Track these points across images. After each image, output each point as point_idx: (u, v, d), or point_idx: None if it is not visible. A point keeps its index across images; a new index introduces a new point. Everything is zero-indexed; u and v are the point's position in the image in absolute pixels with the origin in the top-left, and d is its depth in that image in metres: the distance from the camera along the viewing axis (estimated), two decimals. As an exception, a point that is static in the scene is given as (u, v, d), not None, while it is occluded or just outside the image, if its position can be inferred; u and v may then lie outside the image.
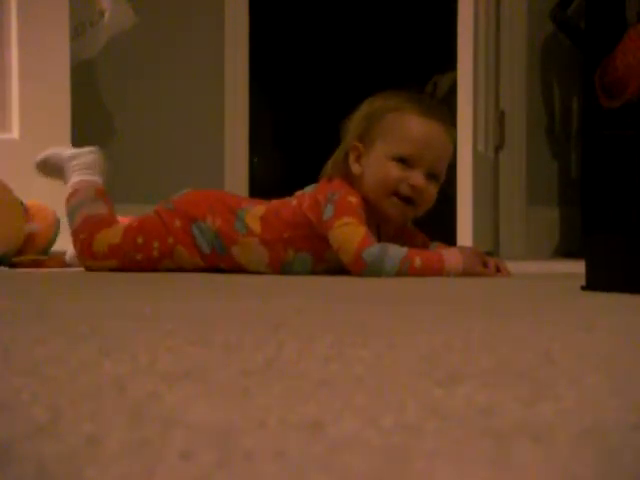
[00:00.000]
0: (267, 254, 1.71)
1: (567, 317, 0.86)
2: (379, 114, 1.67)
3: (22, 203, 2.14)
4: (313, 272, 1.70)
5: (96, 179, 1.90)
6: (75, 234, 1.82)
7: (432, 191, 1.66)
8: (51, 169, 1.97)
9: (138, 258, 1.76)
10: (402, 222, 1.74)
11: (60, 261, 2.03)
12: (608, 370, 0.50)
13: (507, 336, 0.66)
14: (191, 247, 1.75)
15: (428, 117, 1.65)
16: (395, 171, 1.63)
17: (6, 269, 1.85)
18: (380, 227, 1.69)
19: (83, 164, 1.92)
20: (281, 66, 4.79)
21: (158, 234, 1.76)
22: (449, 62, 3.37)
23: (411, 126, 1.65)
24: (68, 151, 1.96)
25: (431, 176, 1.64)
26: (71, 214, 1.85)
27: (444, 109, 1.81)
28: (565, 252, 3.55)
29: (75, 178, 1.89)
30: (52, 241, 2.21)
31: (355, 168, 1.67)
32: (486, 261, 1.64)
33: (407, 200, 1.64)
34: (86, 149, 1.96)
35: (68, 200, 1.87)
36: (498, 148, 3.53)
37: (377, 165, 1.65)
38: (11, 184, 2.15)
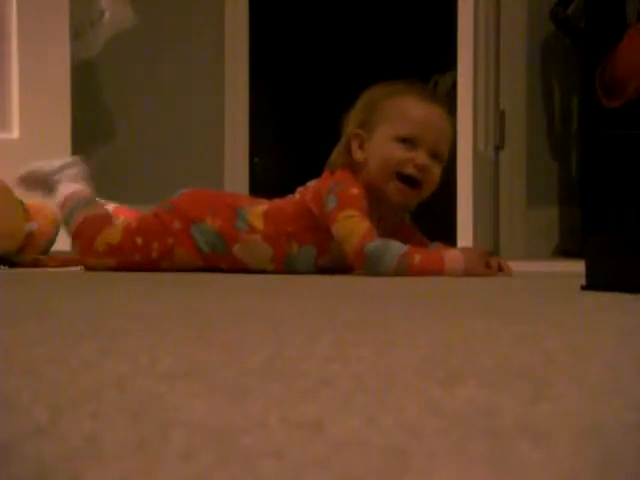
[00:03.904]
0: (271, 250, 1.71)
1: (567, 317, 0.86)
2: (379, 100, 1.69)
3: (22, 203, 2.14)
4: (316, 265, 1.71)
5: (86, 188, 1.92)
6: (75, 237, 1.82)
7: (436, 171, 1.67)
8: (35, 183, 1.96)
9: (137, 258, 1.76)
10: (405, 207, 1.74)
11: (60, 260, 2.03)
12: (608, 370, 0.50)
13: (507, 336, 0.66)
14: (191, 248, 1.75)
15: (427, 100, 1.69)
16: (399, 151, 1.65)
17: (6, 269, 1.85)
18: (380, 220, 1.70)
19: (71, 175, 1.93)
20: (281, 65, 4.80)
21: (157, 235, 1.76)
22: (449, 62, 3.37)
23: (412, 107, 1.67)
24: (55, 163, 1.96)
25: (434, 156, 1.66)
26: (68, 218, 1.85)
27: (441, 96, 1.83)
28: (565, 252, 3.55)
29: (64, 188, 1.90)
30: (52, 241, 2.21)
31: (358, 155, 1.68)
32: (489, 262, 1.63)
33: (411, 182, 1.65)
34: (71, 159, 1.98)
35: (62, 206, 1.87)
36: (498, 148, 3.53)
37: (381, 147, 1.66)
38: (11, 184, 2.15)
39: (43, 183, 1.95)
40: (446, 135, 1.70)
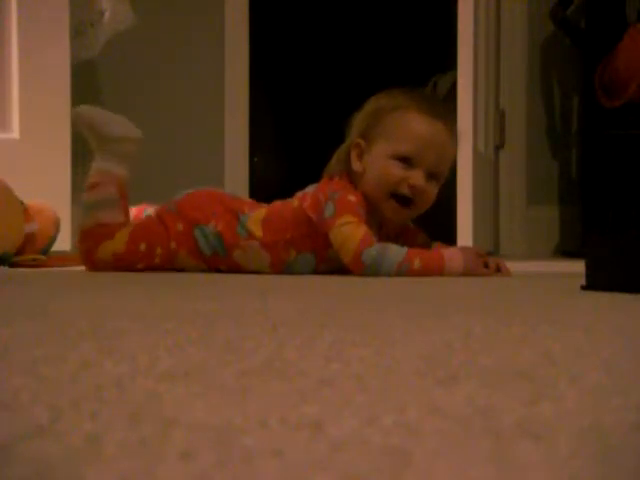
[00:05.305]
0: (268, 257, 1.71)
1: (567, 317, 0.86)
2: (383, 112, 1.66)
3: (22, 203, 2.14)
4: (315, 272, 1.70)
5: (124, 173, 1.78)
6: (83, 236, 1.74)
7: (431, 191, 1.65)
8: (88, 130, 1.78)
9: (140, 267, 1.75)
10: (401, 222, 1.74)
11: (60, 260, 2.03)
12: (608, 370, 0.50)
13: (507, 336, 0.66)
14: (193, 251, 1.75)
15: (431, 116, 1.64)
16: (396, 170, 1.63)
17: (6, 269, 1.85)
18: (382, 225, 1.70)
19: (120, 152, 1.78)
20: (281, 66, 4.80)
21: (161, 240, 1.75)
22: (449, 62, 3.37)
23: (413, 125, 1.64)
24: (116, 130, 1.78)
25: (431, 176, 1.64)
26: (86, 210, 1.75)
27: (448, 108, 1.80)
28: (565, 252, 3.55)
29: (102, 164, 1.77)
30: (52, 241, 2.21)
31: (357, 165, 1.67)
32: (487, 261, 1.63)
33: (405, 201, 1.64)
34: (134, 136, 1.80)
35: (88, 191, 1.75)
36: (498, 148, 3.53)
37: (378, 163, 1.65)
38: (11, 184, 2.15)
39: (90, 136, 1.78)
40: (447, 155, 1.66)
